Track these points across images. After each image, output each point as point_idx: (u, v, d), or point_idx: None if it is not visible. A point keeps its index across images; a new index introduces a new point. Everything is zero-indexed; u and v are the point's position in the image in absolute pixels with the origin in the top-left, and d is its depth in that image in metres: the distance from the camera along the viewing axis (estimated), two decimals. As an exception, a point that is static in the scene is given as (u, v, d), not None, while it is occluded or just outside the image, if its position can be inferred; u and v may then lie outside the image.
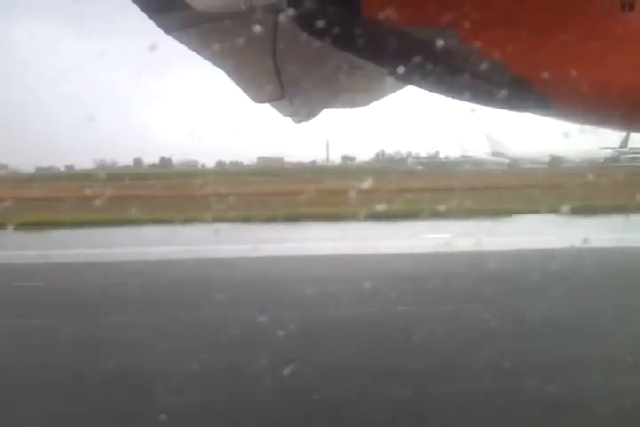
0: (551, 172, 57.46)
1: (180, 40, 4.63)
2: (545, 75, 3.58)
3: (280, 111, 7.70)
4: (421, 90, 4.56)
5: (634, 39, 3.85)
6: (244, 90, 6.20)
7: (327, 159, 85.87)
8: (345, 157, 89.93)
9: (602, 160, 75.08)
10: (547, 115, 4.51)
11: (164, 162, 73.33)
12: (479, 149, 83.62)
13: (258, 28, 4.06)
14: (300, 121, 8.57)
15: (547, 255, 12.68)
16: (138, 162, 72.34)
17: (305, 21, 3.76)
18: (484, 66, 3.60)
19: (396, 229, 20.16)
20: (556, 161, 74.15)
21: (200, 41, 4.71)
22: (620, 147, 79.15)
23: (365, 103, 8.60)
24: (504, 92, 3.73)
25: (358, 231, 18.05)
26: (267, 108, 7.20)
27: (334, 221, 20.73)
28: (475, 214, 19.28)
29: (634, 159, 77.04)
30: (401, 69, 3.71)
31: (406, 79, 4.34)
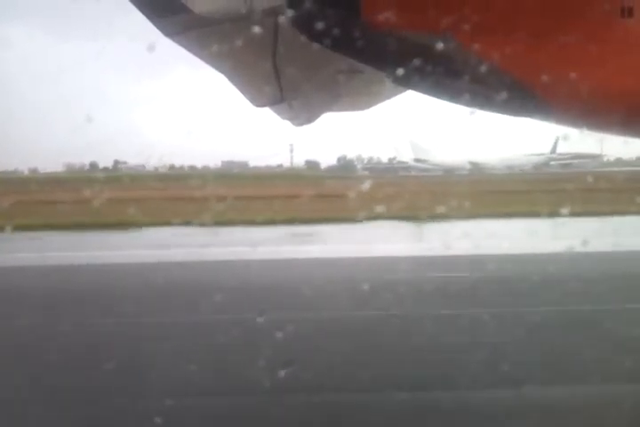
0: (471, 178, 57.84)
1: (179, 43, 4.63)
2: (544, 79, 3.58)
3: (279, 115, 7.69)
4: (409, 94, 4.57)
5: (633, 44, 3.86)
6: (244, 93, 6.19)
7: (291, 164, 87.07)
8: (308, 162, 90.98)
9: (527, 166, 75.58)
10: (546, 119, 4.51)
11: (117, 166, 74.06)
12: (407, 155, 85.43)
13: (258, 32, 4.06)
14: (299, 125, 8.57)
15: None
16: (93, 165, 73.59)
17: (305, 25, 3.77)
18: (482, 70, 3.61)
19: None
20: (476, 168, 74.86)
21: (200, 44, 4.71)
22: (550, 153, 79.76)
23: (365, 107, 8.60)
24: (503, 97, 3.74)
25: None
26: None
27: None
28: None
29: (566, 165, 77.34)
30: (400, 73, 3.71)
31: (405, 83, 4.34)
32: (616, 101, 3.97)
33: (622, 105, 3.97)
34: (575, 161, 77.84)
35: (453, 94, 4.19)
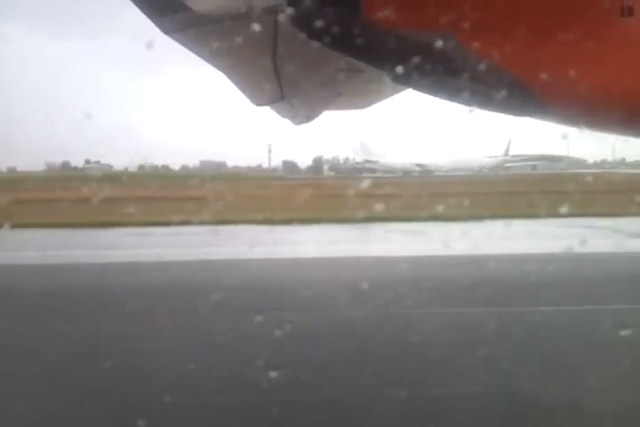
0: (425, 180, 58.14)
1: (179, 41, 4.63)
2: (543, 78, 3.59)
3: (279, 113, 7.71)
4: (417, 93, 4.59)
5: (633, 43, 3.87)
6: (243, 92, 6.21)
7: (269, 164, 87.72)
8: (285, 163, 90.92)
9: (480, 168, 75.97)
10: (545, 118, 4.52)
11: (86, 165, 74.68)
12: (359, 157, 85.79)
13: (257, 30, 4.06)
14: (299, 123, 8.59)
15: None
16: (65, 164, 74.26)
17: (304, 23, 3.78)
18: (482, 69, 3.62)
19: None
20: (424, 170, 75.35)
21: (200, 42, 4.71)
22: (504, 155, 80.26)
23: (364, 106, 8.61)
24: (502, 96, 3.75)
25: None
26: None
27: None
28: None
29: (534, 167, 77.78)
30: (399, 72, 3.72)
31: (405, 82, 4.36)
32: (615, 101, 3.98)
33: (621, 104, 3.98)
34: (538, 163, 78.60)
35: (452, 93, 4.20)
